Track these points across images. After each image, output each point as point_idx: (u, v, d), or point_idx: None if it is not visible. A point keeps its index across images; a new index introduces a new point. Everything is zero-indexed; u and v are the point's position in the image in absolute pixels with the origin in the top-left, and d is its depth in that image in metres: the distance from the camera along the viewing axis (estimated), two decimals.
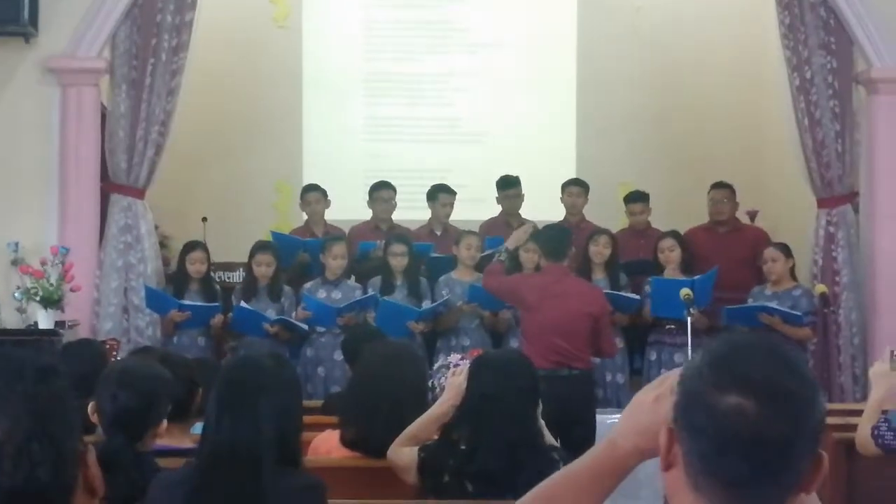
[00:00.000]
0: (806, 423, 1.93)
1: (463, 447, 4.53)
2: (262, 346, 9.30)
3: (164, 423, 4.34)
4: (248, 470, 3.62)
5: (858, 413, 6.00)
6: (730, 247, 10.15)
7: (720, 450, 1.92)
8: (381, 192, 10.64)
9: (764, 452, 1.90)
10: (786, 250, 9.42)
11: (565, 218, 10.66)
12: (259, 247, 9.70)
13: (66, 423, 2.22)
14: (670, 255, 9.52)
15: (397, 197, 10.75)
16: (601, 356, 8.69)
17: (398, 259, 9.54)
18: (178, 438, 4.75)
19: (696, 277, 9.11)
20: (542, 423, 4.68)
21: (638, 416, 2.22)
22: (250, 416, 3.68)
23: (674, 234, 9.72)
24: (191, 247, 9.71)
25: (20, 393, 2.16)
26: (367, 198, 10.75)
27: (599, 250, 9.51)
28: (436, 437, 4.76)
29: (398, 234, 10.06)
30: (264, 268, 9.53)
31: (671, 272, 9.45)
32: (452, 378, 4.85)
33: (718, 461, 1.92)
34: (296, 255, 10.17)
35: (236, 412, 3.70)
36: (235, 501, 3.62)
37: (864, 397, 6.27)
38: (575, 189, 10.79)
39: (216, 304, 9.50)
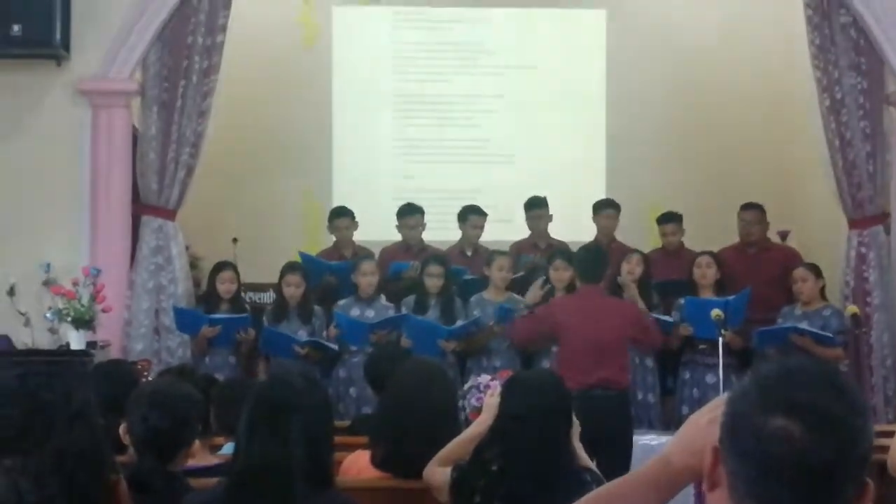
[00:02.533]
0: (853, 450, 1.90)
1: (493, 468, 4.52)
2: (294, 366, 9.33)
3: (196, 443, 4.36)
4: (280, 490, 3.61)
5: (891, 434, 5.96)
6: (760, 267, 10.11)
7: (764, 474, 1.90)
8: (408, 219, 10.60)
9: (808, 479, 1.88)
10: (816, 270, 9.39)
11: (597, 238, 10.64)
12: (288, 268, 9.73)
13: (97, 467, 2.21)
14: (707, 271, 9.48)
15: (427, 217, 10.74)
16: (654, 346, 9.04)
17: (434, 280, 9.54)
18: (201, 455, 4.76)
19: (729, 298, 9.08)
20: (579, 444, 4.66)
21: (691, 436, 2.24)
22: (281, 436, 3.66)
23: (711, 253, 9.69)
24: (220, 267, 9.73)
25: (49, 453, 2.15)
26: (396, 221, 10.73)
27: (631, 268, 9.50)
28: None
29: (436, 254, 10.07)
30: (293, 288, 9.55)
31: (705, 291, 9.41)
32: (490, 399, 4.84)
33: (762, 485, 1.90)
34: (322, 278, 10.17)
35: (267, 432, 3.69)
36: None
37: None
38: (611, 211, 10.78)
39: (245, 315, 9.52)
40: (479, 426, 4.78)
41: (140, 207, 9.98)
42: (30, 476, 2.11)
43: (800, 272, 9.39)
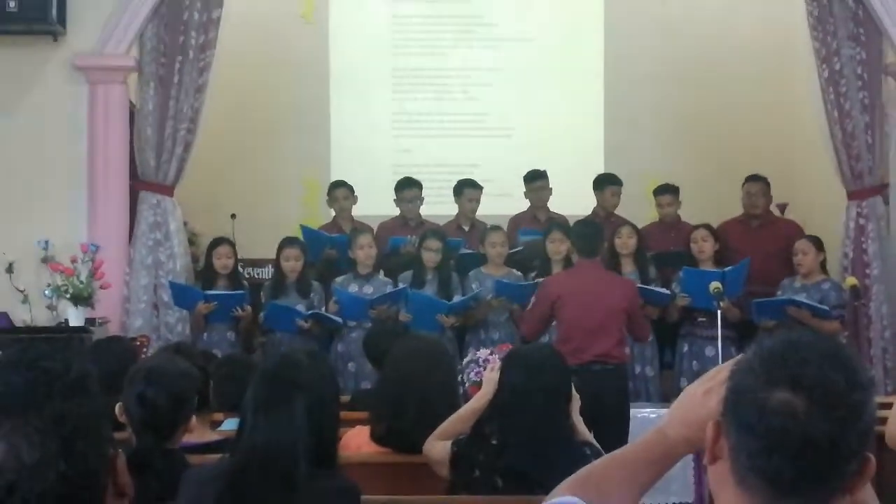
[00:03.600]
0: (855, 425, 1.90)
1: (493, 442, 4.52)
2: (293, 341, 9.35)
3: (194, 419, 4.35)
4: (283, 470, 3.60)
5: (890, 406, 5.97)
6: (763, 240, 10.10)
7: (767, 447, 1.90)
8: (405, 193, 10.62)
9: (811, 453, 1.88)
10: (817, 243, 9.38)
11: (594, 212, 10.64)
12: (286, 242, 9.73)
13: (95, 438, 2.21)
14: (704, 244, 9.46)
15: (424, 192, 10.74)
16: (638, 340, 8.82)
17: (432, 254, 9.54)
18: (199, 432, 4.76)
19: (727, 269, 9.07)
20: (579, 418, 4.67)
21: (688, 408, 2.24)
22: (286, 415, 3.64)
23: (707, 226, 9.67)
24: (217, 242, 9.73)
25: (48, 416, 2.15)
26: (394, 196, 10.73)
27: (624, 242, 9.50)
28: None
29: (433, 229, 10.06)
30: (293, 262, 9.55)
31: (704, 265, 9.40)
32: (490, 373, 4.85)
33: (765, 459, 1.90)
34: (323, 251, 10.18)
35: (272, 410, 3.67)
36: (268, 501, 3.61)
37: None
38: (617, 188, 10.76)
39: (241, 291, 9.52)
40: (478, 401, 4.79)
41: (138, 183, 9.96)
42: (29, 437, 2.11)
43: (801, 244, 9.38)
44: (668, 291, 9.36)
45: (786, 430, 1.88)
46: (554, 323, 8.45)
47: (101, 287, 9.01)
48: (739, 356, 2.14)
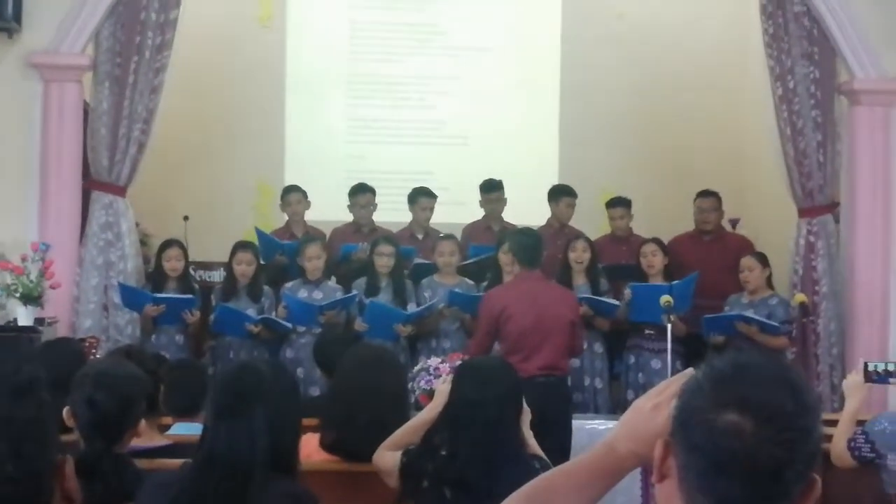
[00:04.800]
0: (802, 448, 1.92)
1: (443, 453, 4.53)
2: (242, 345, 9.32)
3: (143, 423, 4.33)
4: (240, 477, 3.61)
5: (835, 423, 6.02)
6: (714, 255, 10.17)
7: (714, 468, 1.92)
8: (359, 198, 10.61)
9: (758, 476, 1.90)
10: (762, 259, 9.45)
11: (548, 223, 10.67)
12: (239, 246, 9.69)
13: (43, 441, 2.21)
14: (653, 259, 9.48)
15: (379, 199, 10.73)
16: (573, 354, 8.68)
17: (385, 259, 9.52)
18: (148, 436, 4.74)
19: (674, 283, 9.11)
20: (529, 432, 4.68)
21: (636, 422, 2.25)
22: (246, 423, 3.66)
23: (655, 240, 9.71)
24: (167, 245, 9.67)
25: None
26: (348, 201, 10.70)
27: (578, 256, 9.50)
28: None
29: (386, 235, 10.03)
30: (244, 266, 9.52)
31: (653, 278, 9.43)
32: (441, 385, 4.86)
33: (712, 480, 1.92)
34: (274, 256, 10.17)
35: (232, 418, 3.68)
36: None
37: (843, 407, 6.29)
38: (571, 199, 10.75)
39: (191, 296, 9.47)
40: (429, 412, 4.80)
41: (90, 183, 9.91)
42: None
43: (747, 261, 9.44)
44: (617, 303, 9.38)
45: (733, 452, 1.90)
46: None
47: (51, 287, 8.94)
48: (689, 375, 2.16)
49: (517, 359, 7.46)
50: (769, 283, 9.52)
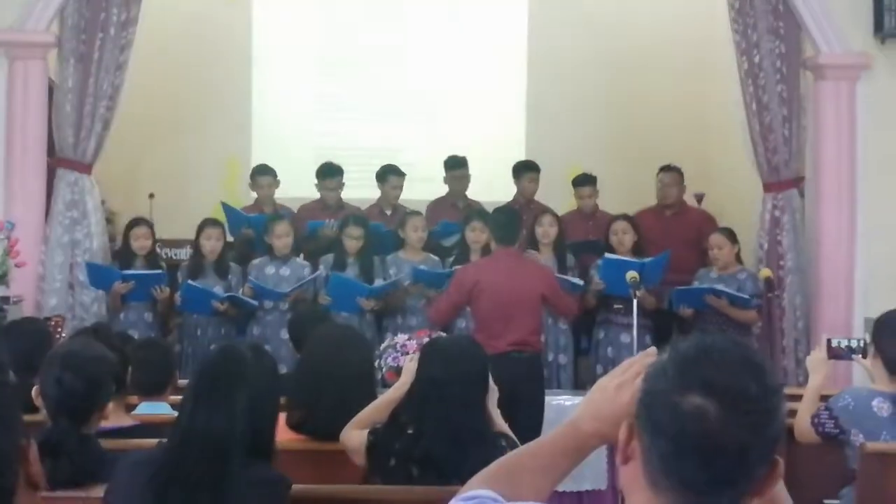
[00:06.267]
0: (766, 431, 1.94)
1: (409, 431, 4.54)
2: (209, 323, 9.32)
3: (110, 405, 4.33)
4: (217, 458, 3.62)
5: (800, 398, 6.06)
6: (676, 229, 10.22)
7: (678, 451, 1.93)
8: (327, 181, 10.58)
9: (722, 458, 1.92)
10: (731, 236, 9.48)
11: (515, 199, 10.68)
12: (207, 222, 9.67)
13: (6, 424, 2.20)
14: (624, 237, 9.46)
15: (347, 175, 10.71)
16: (566, 315, 8.98)
17: (353, 241, 9.50)
18: (115, 416, 4.73)
19: (646, 261, 9.12)
20: (496, 410, 4.69)
21: (599, 401, 2.28)
22: (225, 407, 3.67)
23: (626, 217, 9.69)
24: (134, 223, 9.64)
25: None
26: (315, 181, 10.67)
27: (545, 230, 9.51)
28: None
29: (356, 216, 9.95)
30: (213, 241, 9.50)
31: (623, 255, 9.43)
32: (408, 363, 4.87)
33: (676, 462, 1.94)
34: (240, 229, 10.16)
35: (212, 401, 3.69)
36: (197, 489, 3.61)
37: (807, 381, 6.32)
38: (534, 175, 10.80)
39: (160, 271, 9.44)
40: (396, 390, 4.81)
41: (56, 161, 9.86)
42: None
43: (716, 238, 9.46)
44: (581, 282, 9.40)
45: (697, 435, 1.91)
46: (468, 310, 8.50)
47: (17, 265, 8.90)
48: (653, 353, 2.18)
49: (487, 335, 7.49)
50: (738, 258, 9.56)
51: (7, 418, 2.23)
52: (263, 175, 10.68)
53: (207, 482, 3.62)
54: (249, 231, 10.14)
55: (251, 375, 3.78)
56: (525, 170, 10.88)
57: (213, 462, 3.62)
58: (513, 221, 8.49)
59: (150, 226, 9.70)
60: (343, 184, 10.64)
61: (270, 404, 3.91)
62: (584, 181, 10.70)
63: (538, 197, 10.77)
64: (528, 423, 6.86)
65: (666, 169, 10.60)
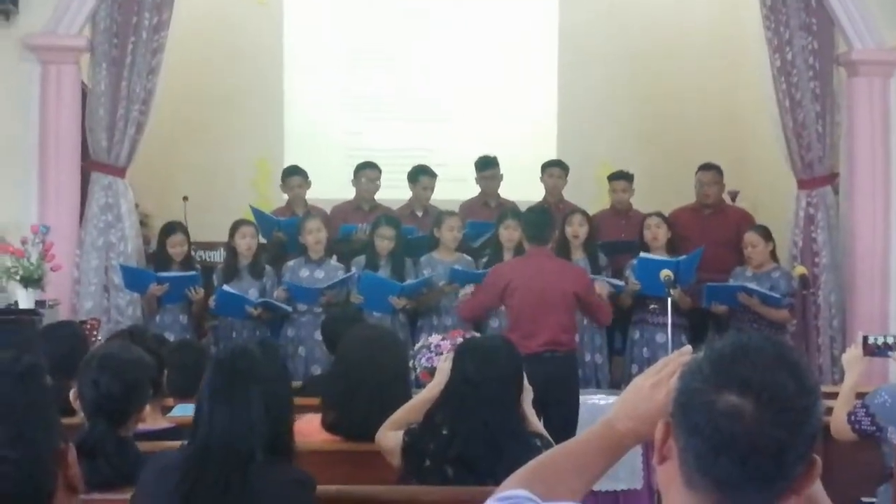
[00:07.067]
0: (802, 429, 1.93)
1: (444, 432, 4.54)
2: (244, 325, 9.33)
3: (147, 407, 4.35)
4: (240, 458, 3.63)
5: (835, 396, 6.04)
6: (714, 228, 10.15)
7: (715, 450, 1.92)
8: (367, 172, 10.57)
9: (758, 457, 1.91)
10: (766, 234, 9.42)
11: (544, 199, 10.66)
12: (240, 222, 9.69)
13: (46, 427, 2.21)
14: (657, 231, 9.43)
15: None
16: (599, 324, 8.94)
17: (385, 242, 9.50)
18: (152, 419, 4.75)
19: (680, 258, 9.09)
20: (531, 410, 4.69)
21: (635, 400, 2.29)
22: (243, 405, 3.68)
23: (659, 214, 9.67)
24: (170, 230, 9.64)
25: None
26: (352, 177, 10.67)
27: (575, 230, 9.48)
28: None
29: (388, 216, 9.96)
30: (248, 239, 9.52)
31: (657, 251, 9.40)
32: (442, 363, 4.86)
33: (712, 461, 1.93)
34: (272, 233, 10.18)
35: (228, 400, 3.70)
36: (224, 491, 3.62)
37: (843, 379, 6.30)
38: (556, 170, 10.80)
39: (194, 273, 9.46)
40: (431, 390, 4.80)
41: (89, 164, 9.91)
42: None
43: (750, 237, 9.40)
44: (620, 283, 9.38)
45: (733, 434, 1.90)
46: (502, 309, 8.50)
47: (52, 269, 8.93)
48: (688, 352, 2.17)
49: (520, 335, 7.47)
50: (773, 256, 9.51)
51: (46, 421, 2.25)
52: (294, 176, 10.67)
53: (232, 483, 3.62)
54: (281, 235, 10.14)
55: (263, 373, 3.79)
56: (547, 166, 10.89)
57: (236, 463, 3.64)
58: (545, 220, 8.46)
59: (186, 231, 9.71)
60: (379, 184, 10.61)
61: (284, 401, 3.91)
62: (620, 177, 10.64)
63: (570, 196, 10.74)
64: (562, 422, 6.87)
65: (705, 167, 10.51)
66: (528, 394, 4.68)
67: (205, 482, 3.63)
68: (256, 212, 10.37)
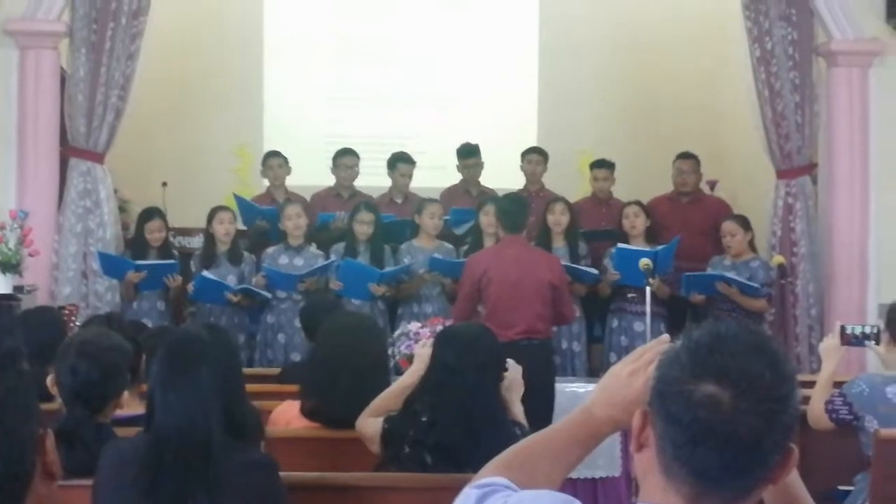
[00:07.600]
0: (780, 419, 1.93)
1: (423, 419, 4.54)
2: (223, 311, 9.32)
3: (126, 394, 4.34)
4: (199, 442, 3.62)
5: (813, 384, 6.06)
6: (692, 217, 10.18)
7: (692, 439, 1.92)
8: (345, 159, 10.58)
9: (735, 446, 1.91)
10: (744, 223, 9.44)
11: (525, 186, 10.67)
12: (218, 208, 9.68)
13: (23, 412, 2.20)
14: (636, 220, 9.45)
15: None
16: (561, 323, 8.72)
17: (364, 227, 9.49)
18: (130, 404, 4.74)
19: (658, 248, 9.10)
20: (520, 405, 4.69)
21: (613, 388, 2.30)
22: (193, 388, 3.67)
23: (638, 203, 9.68)
24: (148, 216, 9.63)
25: None
26: (331, 164, 10.68)
27: (556, 219, 9.48)
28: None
29: (366, 202, 9.96)
30: (226, 225, 9.50)
31: (636, 241, 9.42)
32: (421, 350, 4.86)
33: (690, 450, 1.93)
34: (254, 221, 10.16)
35: (179, 385, 3.69)
36: (185, 478, 3.61)
37: (820, 368, 6.32)
38: (535, 157, 10.80)
39: (172, 261, 9.45)
40: (410, 377, 4.81)
41: (68, 150, 9.87)
42: None
43: (729, 226, 9.42)
44: (596, 272, 9.38)
45: (711, 423, 1.91)
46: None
47: (30, 254, 8.91)
48: (665, 340, 2.18)
49: (497, 323, 7.45)
50: (751, 245, 9.53)
51: (23, 407, 2.23)
52: (273, 157, 10.70)
53: (193, 469, 3.61)
54: (264, 223, 10.12)
55: (211, 355, 3.78)
56: (526, 153, 10.90)
57: (194, 448, 3.62)
58: (519, 208, 8.40)
59: (164, 217, 9.70)
60: (358, 170, 10.62)
61: (235, 381, 3.93)
62: (602, 165, 10.64)
63: (551, 184, 10.74)
64: (538, 410, 6.85)
65: (683, 156, 10.54)
66: (518, 388, 4.69)
67: (165, 470, 3.62)
68: (239, 199, 10.35)
